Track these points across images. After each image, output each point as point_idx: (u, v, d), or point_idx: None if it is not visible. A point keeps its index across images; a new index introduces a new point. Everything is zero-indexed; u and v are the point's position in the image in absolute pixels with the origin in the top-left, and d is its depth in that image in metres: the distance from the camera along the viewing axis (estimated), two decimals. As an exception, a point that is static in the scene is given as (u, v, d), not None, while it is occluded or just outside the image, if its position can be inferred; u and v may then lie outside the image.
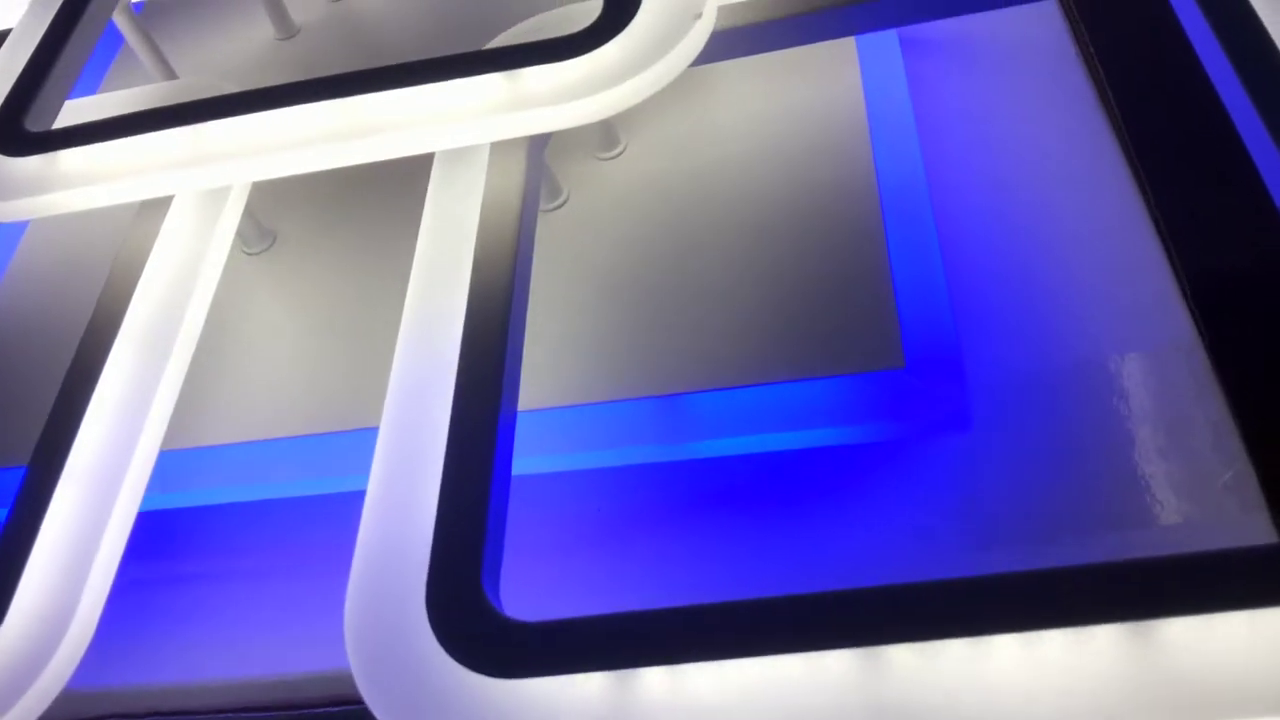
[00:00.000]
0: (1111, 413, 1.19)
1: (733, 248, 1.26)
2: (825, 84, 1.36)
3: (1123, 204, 1.26)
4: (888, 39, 1.38)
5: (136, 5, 1.74)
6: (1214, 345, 1.24)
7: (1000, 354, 1.21)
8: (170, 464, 1.22)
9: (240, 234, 1.41)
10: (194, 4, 1.71)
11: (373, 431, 0.97)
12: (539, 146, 1.16)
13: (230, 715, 1.16)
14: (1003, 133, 1.32)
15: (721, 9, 1.23)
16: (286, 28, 1.72)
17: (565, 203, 1.38)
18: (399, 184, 1.39)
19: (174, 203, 1.21)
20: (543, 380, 1.19)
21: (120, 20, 1.51)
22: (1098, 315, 1.23)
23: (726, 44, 1.24)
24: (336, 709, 1.12)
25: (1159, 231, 1.26)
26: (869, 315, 1.16)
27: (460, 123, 1.12)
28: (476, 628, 0.82)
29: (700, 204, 1.31)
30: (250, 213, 1.41)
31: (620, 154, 1.40)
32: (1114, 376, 1.20)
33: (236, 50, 1.72)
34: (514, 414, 1.01)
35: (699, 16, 1.12)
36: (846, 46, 1.38)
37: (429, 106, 1.14)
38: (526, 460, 1.15)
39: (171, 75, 1.60)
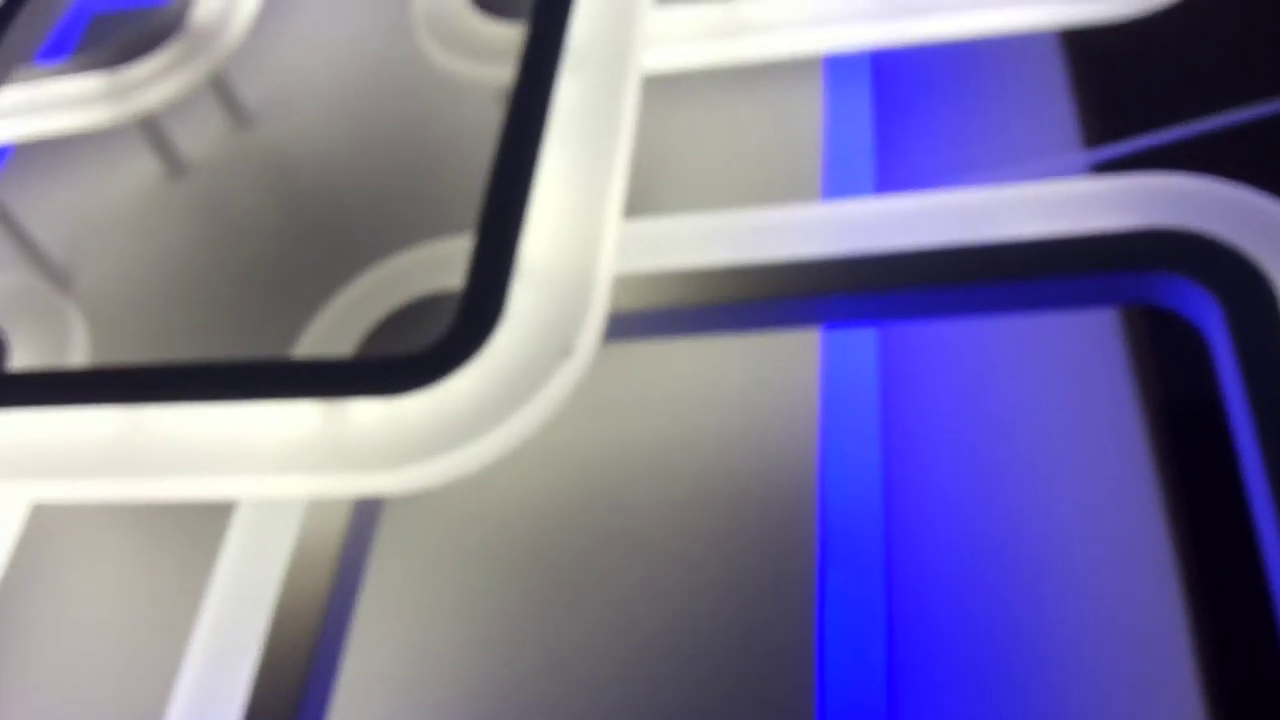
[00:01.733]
0: None
1: (621, 579, 1.01)
2: (771, 355, 1.08)
3: (1145, 562, 0.98)
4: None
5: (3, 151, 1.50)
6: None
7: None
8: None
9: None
10: (70, 143, 1.44)
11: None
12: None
13: None
14: (995, 446, 1.03)
15: (626, 281, 0.95)
16: (174, 164, 1.45)
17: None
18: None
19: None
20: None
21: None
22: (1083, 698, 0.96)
23: (630, 327, 0.97)
24: None
25: (1192, 612, 0.98)
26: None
27: (263, 474, 0.86)
28: None
29: (598, 510, 1.05)
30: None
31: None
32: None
33: (119, 192, 1.47)
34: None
35: (568, 354, 0.85)
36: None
37: (227, 439, 0.88)
38: None
39: (32, 248, 1.36)
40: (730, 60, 1.17)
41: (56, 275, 1.39)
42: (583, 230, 0.95)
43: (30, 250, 1.37)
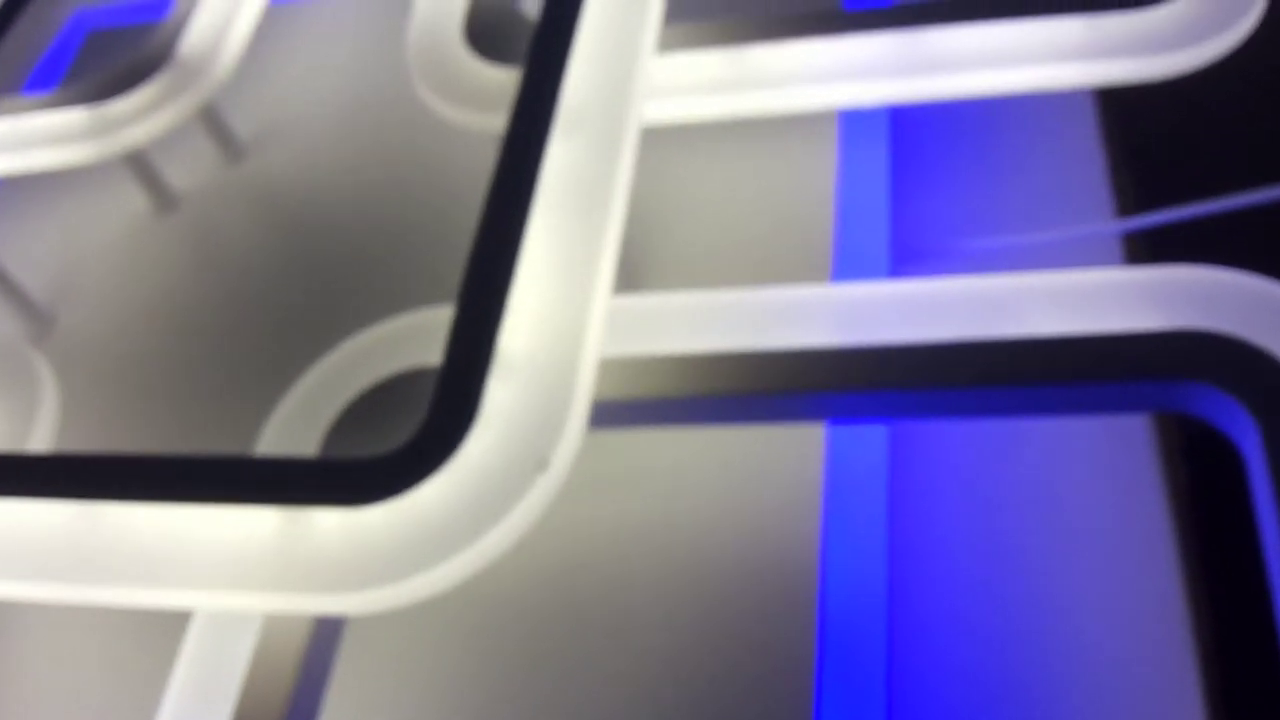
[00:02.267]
0: None
1: (608, 675, 0.96)
2: (774, 438, 1.01)
3: (1168, 676, 0.91)
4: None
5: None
6: None
7: None
8: None
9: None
10: (55, 174, 1.38)
11: None
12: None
13: None
14: (1008, 551, 0.96)
15: (614, 366, 0.88)
16: (163, 197, 1.40)
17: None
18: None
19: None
20: None
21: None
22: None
23: (617, 415, 0.91)
24: None
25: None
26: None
27: (218, 588, 0.81)
28: None
29: (582, 599, 0.99)
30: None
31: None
32: None
33: (106, 226, 1.41)
34: None
35: (543, 467, 0.79)
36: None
37: (183, 543, 0.83)
38: None
39: (19, 295, 1.31)
40: (736, 114, 1.09)
41: (39, 316, 1.34)
42: (568, 318, 0.89)
43: (10, 291, 1.32)
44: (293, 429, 1.00)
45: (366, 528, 0.81)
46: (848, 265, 1.14)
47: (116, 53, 1.44)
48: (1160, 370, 0.82)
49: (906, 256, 1.13)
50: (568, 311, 0.89)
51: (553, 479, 0.80)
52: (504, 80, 1.15)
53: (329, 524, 0.81)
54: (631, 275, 1.15)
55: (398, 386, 1.01)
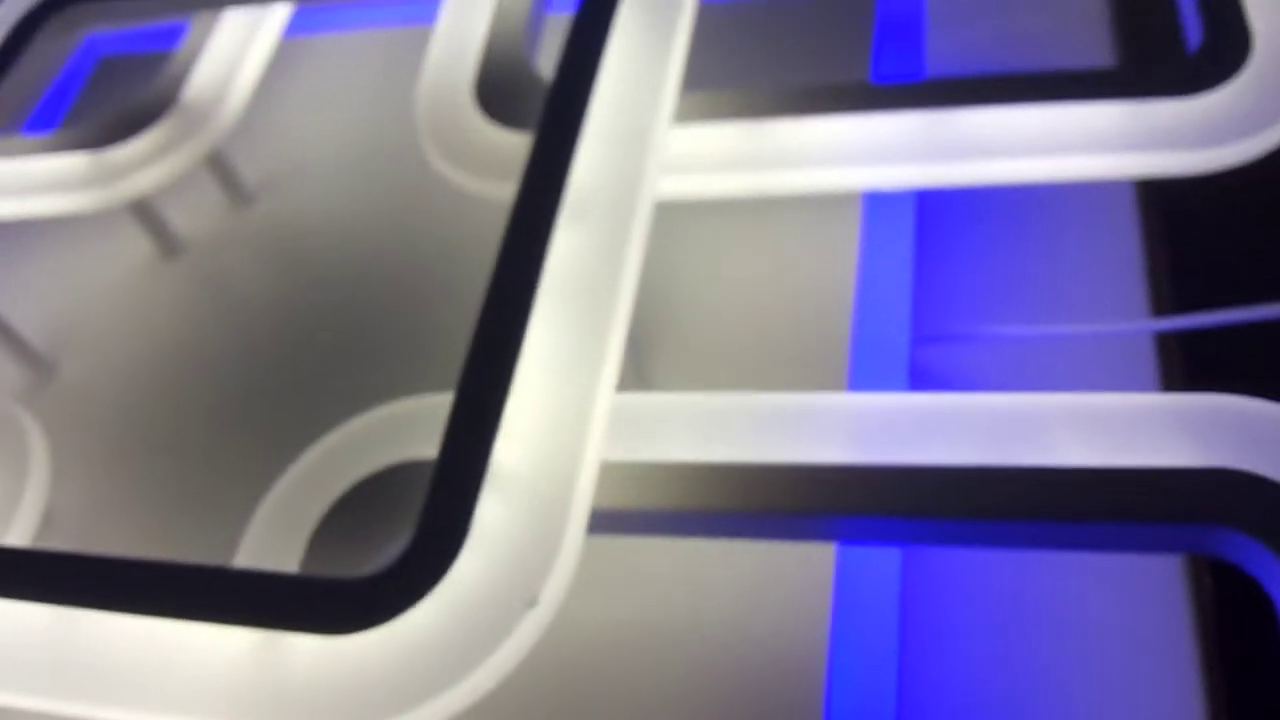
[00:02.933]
0: None
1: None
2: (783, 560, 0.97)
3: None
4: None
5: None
6: None
7: None
8: None
9: None
10: (55, 223, 1.34)
11: None
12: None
13: None
14: (1024, 686, 0.91)
15: (614, 472, 0.85)
16: (169, 243, 1.36)
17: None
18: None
19: None
20: None
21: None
22: None
23: (616, 523, 0.87)
24: None
25: None
26: None
27: (188, 716, 0.77)
28: None
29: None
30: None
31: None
32: None
33: (107, 272, 1.38)
34: None
35: (533, 604, 0.75)
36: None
37: (153, 660, 0.80)
38: None
39: (17, 343, 1.29)
40: (753, 192, 1.04)
41: (38, 366, 1.31)
42: (567, 425, 0.85)
43: (7, 339, 1.29)
44: (283, 519, 0.97)
45: (346, 657, 0.77)
46: (866, 347, 1.10)
47: (128, 81, 1.40)
48: (1191, 513, 0.77)
49: (928, 340, 1.09)
50: (567, 418, 0.85)
51: (543, 613, 0.76)
52: (514, 145, 1.11)
53: (307, 650, 0.78)
54: (641, 354, 1.10)
55: (397, 476, 0.98)
